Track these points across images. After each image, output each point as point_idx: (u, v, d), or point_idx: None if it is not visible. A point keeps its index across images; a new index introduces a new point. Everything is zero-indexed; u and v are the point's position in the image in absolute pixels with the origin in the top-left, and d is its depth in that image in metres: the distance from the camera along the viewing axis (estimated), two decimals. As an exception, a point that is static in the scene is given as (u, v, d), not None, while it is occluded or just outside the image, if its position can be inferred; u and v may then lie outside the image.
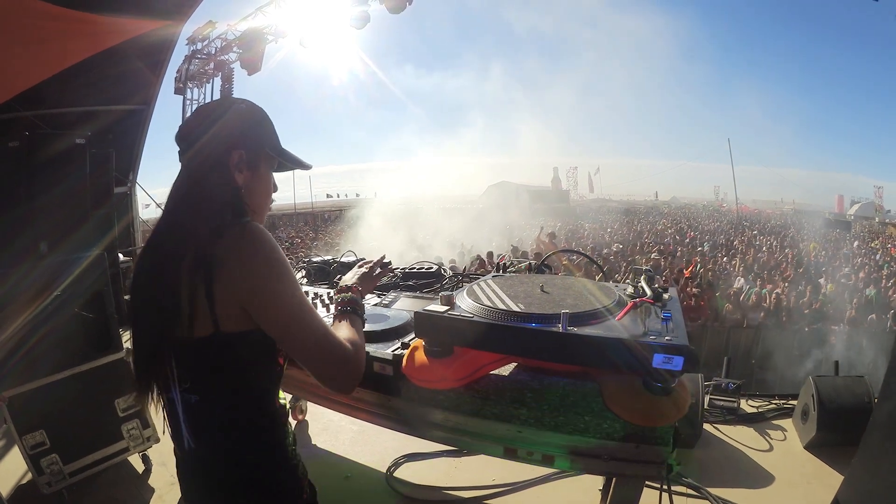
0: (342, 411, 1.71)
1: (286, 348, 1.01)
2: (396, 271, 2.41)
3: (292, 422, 1.36)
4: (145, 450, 2.70)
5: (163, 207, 1.08)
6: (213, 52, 17.46)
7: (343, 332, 1.08)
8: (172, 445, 1.10)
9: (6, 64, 2.68)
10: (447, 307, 1.29)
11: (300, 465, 1.12)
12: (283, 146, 1.14)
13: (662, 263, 10.13)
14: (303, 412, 3.13)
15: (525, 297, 1.35)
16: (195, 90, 18.32)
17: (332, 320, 1.16)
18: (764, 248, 14.12)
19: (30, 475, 2.55)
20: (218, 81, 18.34)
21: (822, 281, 9.68)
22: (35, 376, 2.45)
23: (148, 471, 2.70)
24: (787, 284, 9.08)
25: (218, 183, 1.01)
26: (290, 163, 1.17)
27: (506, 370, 1.44)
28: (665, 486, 1.62)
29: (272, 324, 0.96)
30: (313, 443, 2.97)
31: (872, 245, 17.27)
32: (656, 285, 1.39)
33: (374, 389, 1.50)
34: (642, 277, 1.44)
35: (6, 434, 3.09)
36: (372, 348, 1.48)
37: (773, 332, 7.32)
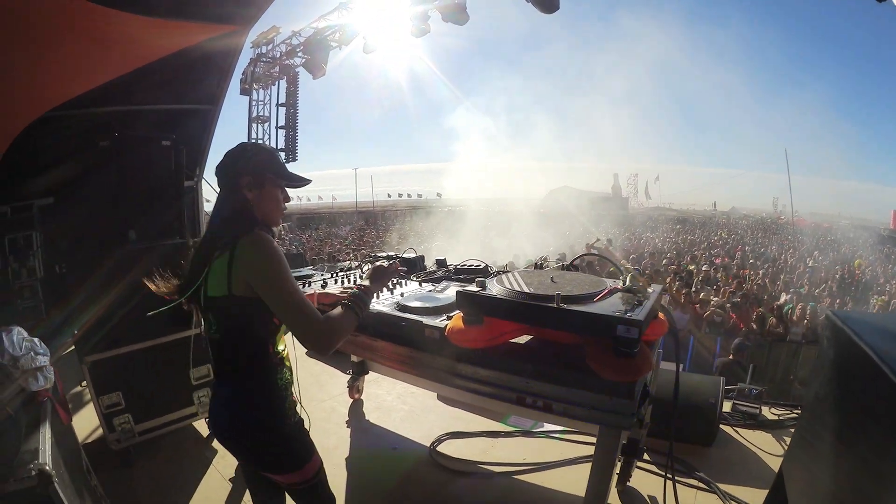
0: (400, 368, 2.20)
1: (274, 312, 1.40)
2: (450, 267, 2.97)
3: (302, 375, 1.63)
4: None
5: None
6: (277, 55, 18.15)
7: (332, 312, 1.47)
8: None
9: (79, 63, 2.95)
10: (480, 288, 1.83)
11: (289, 400, 1.52)
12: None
13: (712, 275, 10.23)
14: (359, 391, 3.50)
15: (537, 284, 1.87)
16: (261, 91, 19.17)
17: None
18: (811, 264, 13.76)
19: (96, 434, 2.86)
20: (283, 84, 19.08)
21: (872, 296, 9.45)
22: (117, 345, 2.75)
23: (212, 435, 2.84)
24: (831, 300, 8.95)
25: (234, 200, 1.47)
26: (289, 181, 1.56)
27: (522, 340, 1.95)
28: (669, 475, 2.00)
29: (264, 295, 1.37)
30: (367, 419, 3.33)
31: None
32: (640, 282, 1.87)
33: (422, 350, 2.03)
34: (629, 276, 1.91)
35: (80, 395, 3.55)
36: (425, 319, 2.03)
37: (812, 347, 7.28)
